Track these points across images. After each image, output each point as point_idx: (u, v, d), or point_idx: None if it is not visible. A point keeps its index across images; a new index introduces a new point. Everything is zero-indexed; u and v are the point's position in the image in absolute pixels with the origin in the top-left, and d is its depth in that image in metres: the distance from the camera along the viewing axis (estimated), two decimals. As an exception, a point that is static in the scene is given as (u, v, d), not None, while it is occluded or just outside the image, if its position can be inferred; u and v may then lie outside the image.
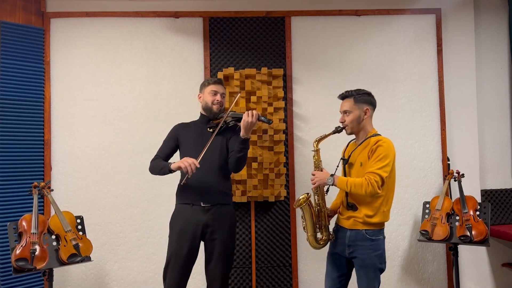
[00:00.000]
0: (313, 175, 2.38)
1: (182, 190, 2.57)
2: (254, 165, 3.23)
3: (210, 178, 2.53)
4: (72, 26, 3.35)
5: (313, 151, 2.45)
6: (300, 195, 2.47)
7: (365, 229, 2.31)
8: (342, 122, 2.42)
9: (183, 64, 3.38)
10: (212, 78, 2.75)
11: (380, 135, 2.41)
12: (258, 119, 2.50)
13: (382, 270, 2.34)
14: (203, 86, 2.72)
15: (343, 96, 2.45)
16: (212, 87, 2.66)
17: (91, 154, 3.30)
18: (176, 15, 3.38)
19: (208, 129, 2.63)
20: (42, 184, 2.77)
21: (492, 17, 3.58)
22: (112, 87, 3.35)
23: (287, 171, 3.34)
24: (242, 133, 2.47)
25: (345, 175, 2.45)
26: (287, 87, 3.38)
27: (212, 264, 2.51)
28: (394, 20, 3.46)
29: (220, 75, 3.27)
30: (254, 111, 2.46)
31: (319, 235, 2.47)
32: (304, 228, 2.48)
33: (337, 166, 2.48)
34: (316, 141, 2.45)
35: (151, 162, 2.64)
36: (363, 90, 2.46)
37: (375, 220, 2.30)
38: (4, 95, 3.10)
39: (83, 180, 3.28)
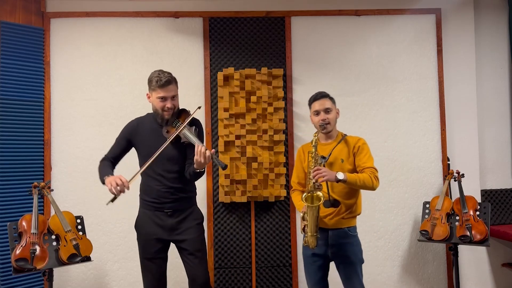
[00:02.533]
0: (319, 169, 2.21)
1: (144, 195, 2.47)
2: (254, 165, 3.23)
3: (170, 186, 2.41)
4: (72, 26, 3.35)
5: (313, 145, 2.33)
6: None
7: (347, 227, 2.38)
8: (324, 120, 2.39)
9: (183, 64, 3.38)
10: (158, 77, 2.34)
11: (347, 135, 2.51)
12: (211, 159, 2.26)
13: (363, 263, 2.43)
14: (149, 86, 2.40)
15: (322, 95, 2.44)
16: (159, 93, 2.34)
17: (91, 154, 3.30)
18: (176, 15, 3.38)
19: (166, 137, 2.38)
20: (42, 184, 2.77)
21: (492, 17, 3.58)
22: (112, 87, 3.35)
23: (287, 171, 3.33)
24: (195, 166, 2.26)
25: None
26: (287, 87, 3.37)
27: (190, 264, 2.46)
28: (394, 20, 3.46)
29: (220, 75, 3.27)
30: (208, 151, 2.21)
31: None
32: (304, 228, 2.34)
33: (321, 163, 2.34)
34: (315, 135, 2.36)
35: (100, 162, 2.47)
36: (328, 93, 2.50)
37: (356, 212, 2.42)
38: (4, 95, 3.10)
39: (83, 180, 3.28)
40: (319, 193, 2.26)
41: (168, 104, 2.36)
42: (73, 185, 3.28)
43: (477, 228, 2.85)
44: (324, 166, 2.39)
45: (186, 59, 3.38)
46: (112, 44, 3.36)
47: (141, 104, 3.34)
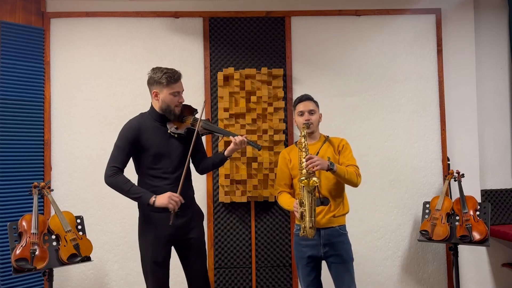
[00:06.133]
0: (312, 158, 2.24)
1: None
2: (254, 165, 3.23)
3: (177, 185, 2.34)
4: (72, 26, 3.35)
5: (303, 136, 2.38)
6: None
7: (338, 225, 2.44)
8: (307, 120, 2.48)
9: (183, 64, 3.38)
10: (168, 73, 2.37)
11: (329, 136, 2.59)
12: (248, 144, 2.49)
13: (353, 260, 2.49)
14: (159, 83, 2.36)
15: (306, 98, 2.55)
16: (173, 88, 2.36)
17: (91, 154, 3.30)
18: (176, 15, 3.38)
19: (172, 134, 2.39)
20: (42, 184, 2.77)
21: (492, 17, 3.58)
22: (112, 87, 3.35)
23: (287, 171, 3.34)
24: (226, 153, 2.49)
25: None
26: (287, 87, 3.37)
27: (191, 262, 2.46)
28: (394, 20, 3.46)
29: (220, 75, 3.27)
30: (243, 138, 2.44)
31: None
32: (302, 215, 2.28)
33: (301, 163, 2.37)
34: (303, 129, 2.42)
35: (111, 177, 2.31)
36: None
37: (345, 210, 2.49)
38: (4, 95, 3.10)
39: (83, 180, 3.28)
40: (315, 179, 2.26)
41: (182, 100, 2.42)
42: (73, 185, 3.28)
43: (477, 228, 2.85)
44: None
45: (186, 59, 3.38)
46: (112, 44, 3.36)
47: (141, 104, 3.33)
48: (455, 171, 3.17)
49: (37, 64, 3.26)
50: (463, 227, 2.89)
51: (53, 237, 2.64)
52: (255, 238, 3.31)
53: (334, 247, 2.41)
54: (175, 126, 2.41)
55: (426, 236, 2.96)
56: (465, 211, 2.95)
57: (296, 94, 3.38)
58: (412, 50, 3.46)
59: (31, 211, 2.63)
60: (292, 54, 3.41)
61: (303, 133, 2.42)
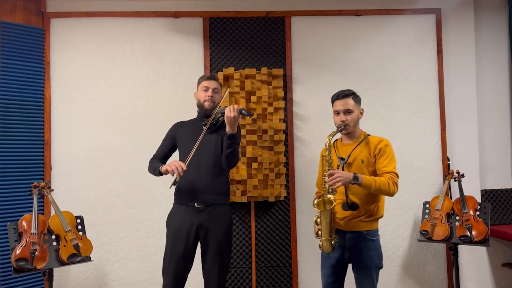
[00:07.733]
0: (333, 174, 2.14)
1: (178, 190, 2.53)
2: (254, 165, 3.23)
3: (204, 178, 2.47)
4: (72, 26, 3.35)
5: (327, 148, 2.27)
6: (317, 195, 2.30)
7: (366, 230, 2.31)
8: (343, 121, 2.31)
9: (183, 64, 3.38)
10: (206, 74, 2.68)
11: (370, 135, 2.43)
12: (240, 113, 2.39)
13: (381, 268, 2.36)
14: (198, 83, 2.70)
15: (344, 95, 2.35)
16: (204, 83, 2.63)
17: (91, 154, 3.30)
18: (176, 15, 3.38)
19: (203, 127, 2.55)
20: (42, 184, 2.77)
21: (492, 17, 3.58)
22: (112, 87, 3.35)
23: (287, 171, 3.34)
24: (227, 129, 2.39)
25: None
26: (287, 87, 3.38)
27: (208, 265, 2.46)
28: (394, 20, 3.46)
29: (220, 75, 3.27)
30: (235, 105, 2.37)
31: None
32: (318, 233, 2.28)
33: (339, 166, 2.34)
34: (329, 137, 2.27)
35: (149, 162, 2.63)
36: (353, 91, 2.41)
37: (377, 215, 2.34)
38: (4, 95, 3.10)
39: (83, 180, 3.29)
40: (330, 197, 2.20)
41: (209, 93, 2.60)
42: (73, 185, 3.28)
43: (477, 228, 2.85)
44: (343, 167, 2.33)
45: (186, 59, 3.38)
46: (112, 44, 3.36)
47: (141, 104, 3.35)
48: (455, 171, 3.17)
49: (37, 64, 3.26)
50: (463, 227, 2.89)
51: (53, 237, 2.64)
52: (255, 238, 3.31)
53: (358, 252, 2.29)
54: (206, 120, 2.58)
55: (426, 236, 2.96)
56: (465, 211, 2.95)
57: (296, 94, 3.39)
58: (412, 50, 3.46)
59: (31, 211, 2.63)
60: (292, 54, 3.41)
61: (329, 139, 2.24)
